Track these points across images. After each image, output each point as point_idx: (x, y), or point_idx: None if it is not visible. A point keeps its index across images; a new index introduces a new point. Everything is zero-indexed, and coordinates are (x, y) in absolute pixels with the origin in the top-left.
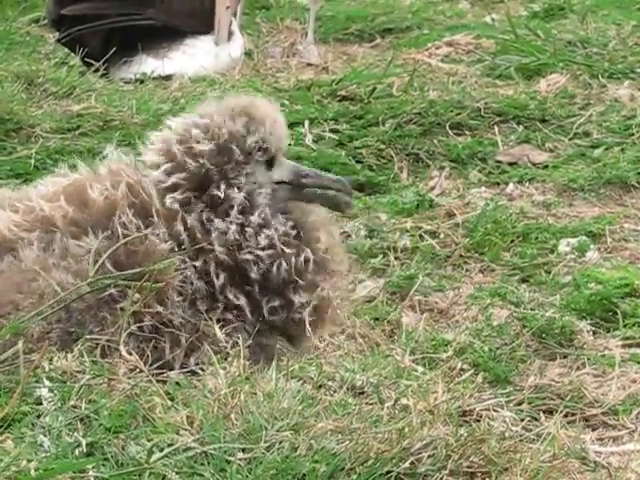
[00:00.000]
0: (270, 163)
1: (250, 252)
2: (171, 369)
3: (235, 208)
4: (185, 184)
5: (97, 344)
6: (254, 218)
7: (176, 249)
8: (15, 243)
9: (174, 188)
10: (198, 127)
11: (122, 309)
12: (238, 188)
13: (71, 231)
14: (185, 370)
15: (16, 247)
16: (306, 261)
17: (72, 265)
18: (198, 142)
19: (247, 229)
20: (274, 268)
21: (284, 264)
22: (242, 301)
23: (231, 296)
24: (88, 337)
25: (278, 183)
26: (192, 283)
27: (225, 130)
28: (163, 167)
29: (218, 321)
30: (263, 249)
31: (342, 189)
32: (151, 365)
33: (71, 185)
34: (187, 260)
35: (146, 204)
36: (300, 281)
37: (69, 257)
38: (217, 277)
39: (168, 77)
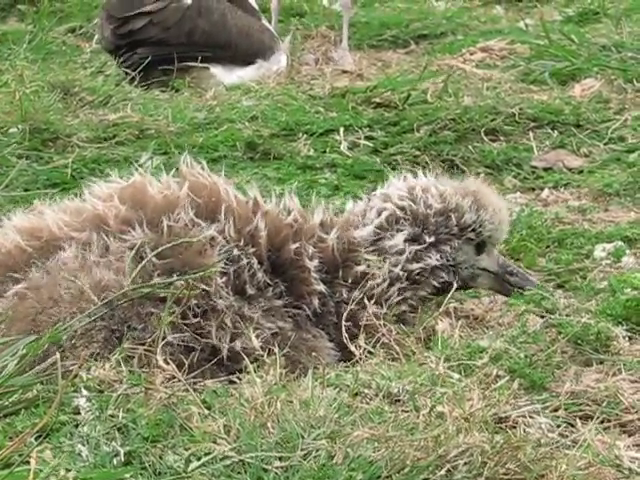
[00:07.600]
0: (480, 248)
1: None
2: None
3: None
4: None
5: (134, 354)
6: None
7: (250, 248)
8: (64, 242)
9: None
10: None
11: (159, 319)
12: (441, 255)
13: (121, 229)
14: (222, 379)
15: (64, 246)
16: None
17: (113, 262)
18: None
19: (398, 257)
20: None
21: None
22: (321, 287)
23: (315, 277)
24: (131, 335)
25: (483, 269)
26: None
27: (454, 200)
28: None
29: (262, 309)
30: (385, 279)
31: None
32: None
33: (129, 186)
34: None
35: (214, 205)
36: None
37: (110, 254)
38: (311, 259)
39: (206, 68)
